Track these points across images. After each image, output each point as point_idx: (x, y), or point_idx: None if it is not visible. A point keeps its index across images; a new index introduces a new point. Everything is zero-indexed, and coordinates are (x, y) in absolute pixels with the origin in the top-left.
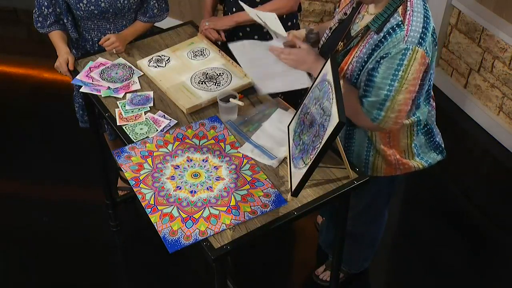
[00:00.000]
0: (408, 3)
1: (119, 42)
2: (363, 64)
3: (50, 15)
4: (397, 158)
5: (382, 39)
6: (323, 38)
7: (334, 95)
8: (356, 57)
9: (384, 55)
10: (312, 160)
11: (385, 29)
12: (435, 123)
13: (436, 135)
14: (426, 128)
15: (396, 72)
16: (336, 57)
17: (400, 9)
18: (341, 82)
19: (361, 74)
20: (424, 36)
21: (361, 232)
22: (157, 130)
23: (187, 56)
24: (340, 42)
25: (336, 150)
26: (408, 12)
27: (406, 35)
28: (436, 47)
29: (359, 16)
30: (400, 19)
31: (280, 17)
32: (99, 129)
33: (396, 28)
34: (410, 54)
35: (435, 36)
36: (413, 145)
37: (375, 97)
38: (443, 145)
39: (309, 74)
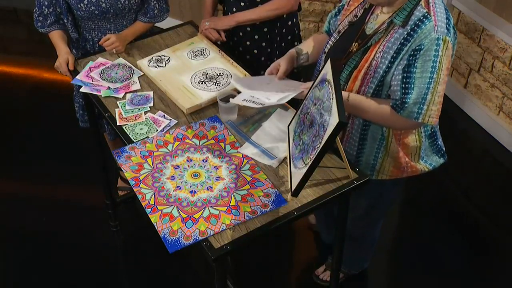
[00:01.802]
0: None
1: (119, 42)
2: (391, 59)
3: (51, 14)
4: (407, 160)
5: (411, 32)
6: (330, 42)
7: (334, 95)
8: (380, 52)
9: (417, 48)
10: (312, 160)
11: (411, 22)
12: (438, 126)
13: (439, 138)
14: (431, 131)
15: (434, 64)
16: (351, 58)
17: (422, 2)
18: (368, 98)
19: (391, 69)
20: (449, 27)
21: (361, 234)
22: (157, 130)
23: (187, 56)
24: (354, 43)
25: (336, 150)
26: (431, 4)
27: (436, 25)
28: (456, 40)
29: (372, 16)
30: (425, 10)
31: (280, 17)
32: (99, 129)
33: (424, 19)
34: (442, 44)
35: (455, 28)
36: (421, 147)
37: (417, 93)
38: (444, 149)
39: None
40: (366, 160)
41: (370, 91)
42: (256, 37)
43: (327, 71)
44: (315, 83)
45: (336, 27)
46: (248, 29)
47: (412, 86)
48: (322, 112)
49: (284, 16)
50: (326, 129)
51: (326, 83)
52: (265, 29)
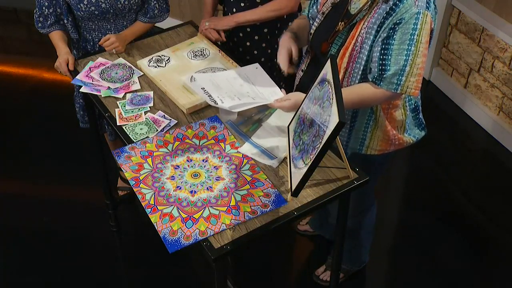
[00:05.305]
0: None
1: (119, 42)
2: (375, 33)
3: (51, 15)
4: (394, 133)
5: (393, 6)
6: (315, 23)
7: (334, 95)
8: (365, 28)
9: (397, 21)
10: (312, 160)
11: None
12: (420, 101)
13: (420, 112)
14: (414, 105)
15: (412, 37)
16: (337, 36)
17: None
18: (344, 88)
19: (374, 43)
20: (429, 1)
21: (359, 223)
22: (157, 130)
23: (187, 56)
24: (340, 22)
25: (336, 150)
26: None
27: (416, 0)
28: (437, 15)
29: None
30: None
31: (281, 18)
32: (99, 129)
33: None
34: (421, 17)
35: (435, 3)
36: (406, 120)
37: (395, 65)
38: (424, 122)
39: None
40: (355, 135)
41: (359, 67)
42: (256, 37)
43: (327, 70)
44: (315, 83)
45: (318, 10)
46: (249, 29)
47: (390, 58)
48: (322, 112)
49: (285, 17)
50: (326, 129)
51: (326, 83)
52: (265, 30)
